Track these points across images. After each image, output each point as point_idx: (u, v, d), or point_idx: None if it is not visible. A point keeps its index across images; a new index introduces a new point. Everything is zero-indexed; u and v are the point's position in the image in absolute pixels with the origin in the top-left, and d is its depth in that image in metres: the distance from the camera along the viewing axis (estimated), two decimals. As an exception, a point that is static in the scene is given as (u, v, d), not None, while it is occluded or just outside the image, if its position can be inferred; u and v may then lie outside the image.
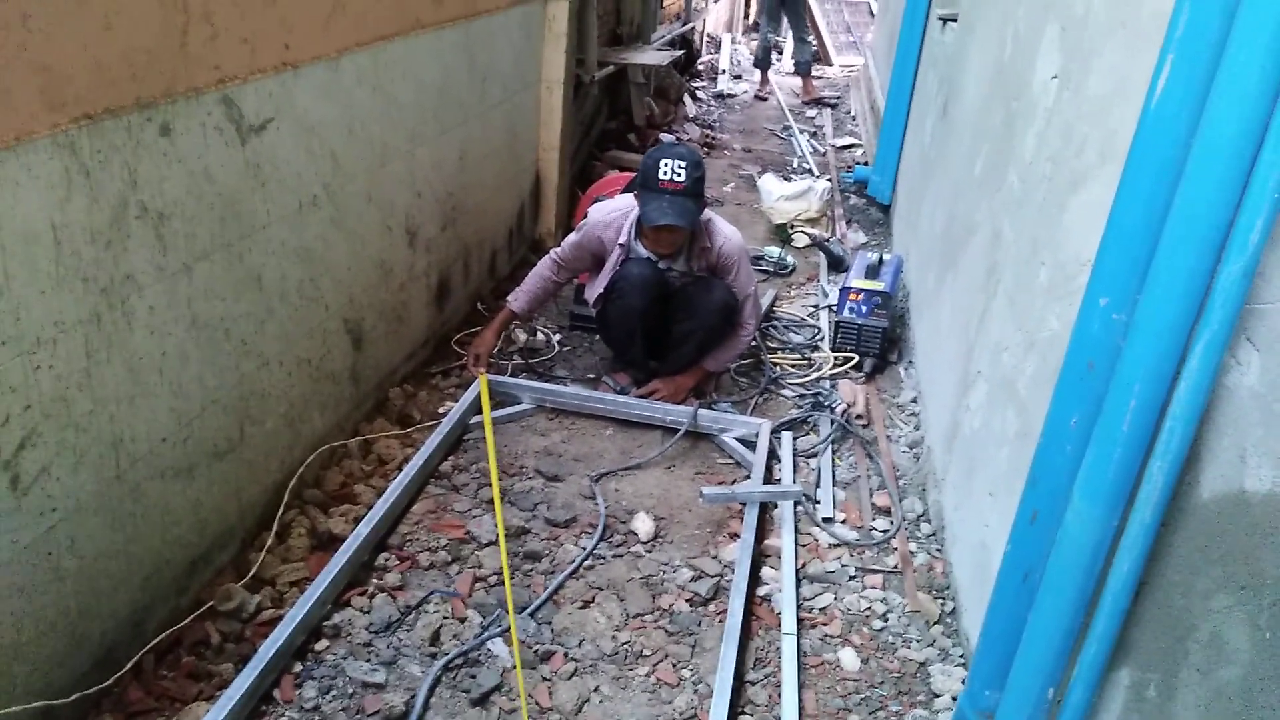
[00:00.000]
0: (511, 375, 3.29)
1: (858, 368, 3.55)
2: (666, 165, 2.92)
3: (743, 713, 2.06)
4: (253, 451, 2.31)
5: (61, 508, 1.71)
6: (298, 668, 2.03)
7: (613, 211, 3.19)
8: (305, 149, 2.34)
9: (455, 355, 3.42)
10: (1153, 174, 1.35)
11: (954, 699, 2.09)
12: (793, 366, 3.60)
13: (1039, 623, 1.47)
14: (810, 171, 6.10)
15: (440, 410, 3.05)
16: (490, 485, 2.65)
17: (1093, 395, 1.46)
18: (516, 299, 3.25)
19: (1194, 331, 1.26)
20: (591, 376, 3.41)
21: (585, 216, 3.29)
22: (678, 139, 6.28)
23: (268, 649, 1.95)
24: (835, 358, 3.59)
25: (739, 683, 2.10)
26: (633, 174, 3.22)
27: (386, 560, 2.37)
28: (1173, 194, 1.31)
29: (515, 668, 2.01)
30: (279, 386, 2.39)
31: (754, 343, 3.56)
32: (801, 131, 7.15)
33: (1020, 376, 2.10)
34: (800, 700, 2.06)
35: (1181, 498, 1.31)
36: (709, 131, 7.00)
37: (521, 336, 3.59)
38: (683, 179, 2.92)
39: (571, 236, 3.25)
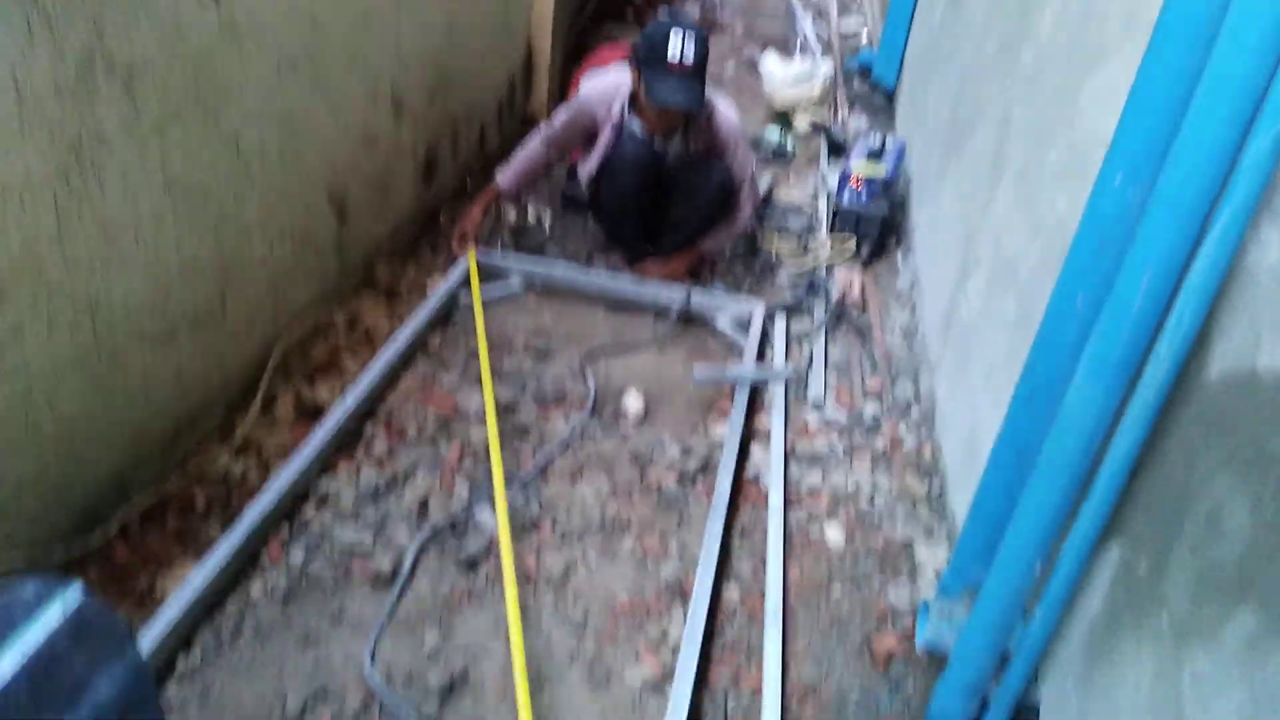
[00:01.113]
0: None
1: (855, 250, 3.48)
2: (675, 41, 2.76)
3: (728, 582, 2.09)
4: (235, 320, 2.26)
5: (37, 369, 1.67)
6: (285, 532, 2.04)
7: (606, 85, 3.05)
8: (286, 6, 2.20)
9: (444, 231, 3.33)
10: (1182, 40, 1.27)
11: (937, 573, 2.12)
12: (790, 253, 3.53)
13: (1032, 498, 1.46)
14: (814, 54, 5.88)
15: (429, 284, 2.99)
16: (479, 361, 2.62)
17: (1102, 274, 1.42)
18: (505, 176, 3.14)
19: (1215, 206, 1.21)
20: (584, 259, 3.34)
21: (579, 90, 3.16)
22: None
23: (255, 511, 1.95)
24: (832, 240, 3.52)
25: (724, 554, 2.13)
26: (628, 47, 3.07)
27: (373, 431, 2.36)
28: (1203, 62, 1.23)
29: (502, 532, 2.02)
30: (260, 256, 2.32)
31: (751, 227, 3.48)
32: (806, 9, 6.86)
33: (1023, 263, 2.05)
34: (785, 572, 2.09)
35: (1190, 377, 1.29)
36: (710, 12, 6.71)
37: (512, 215, 3.50)
38: (692, 59, 2.78)
39: (562, 111, 3.12)
